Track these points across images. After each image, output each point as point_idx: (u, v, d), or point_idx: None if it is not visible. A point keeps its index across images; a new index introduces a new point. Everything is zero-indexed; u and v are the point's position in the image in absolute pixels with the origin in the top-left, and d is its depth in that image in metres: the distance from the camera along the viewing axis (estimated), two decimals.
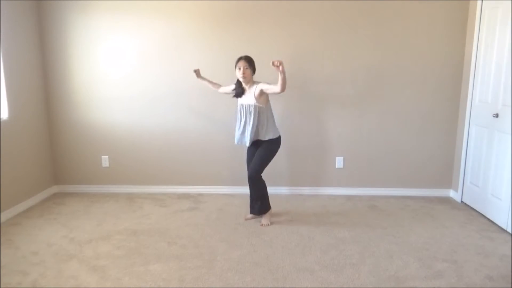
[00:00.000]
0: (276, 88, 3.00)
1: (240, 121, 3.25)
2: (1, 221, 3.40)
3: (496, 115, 3.33)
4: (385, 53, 3.85)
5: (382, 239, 3.06)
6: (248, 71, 3.16)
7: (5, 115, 3.50)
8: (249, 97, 3.17)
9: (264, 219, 3.36)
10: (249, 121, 3.17)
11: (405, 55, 3.85)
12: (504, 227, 3.23)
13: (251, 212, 3.46)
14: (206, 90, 3.99)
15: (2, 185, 3.43)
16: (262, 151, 3.25)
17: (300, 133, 4.05)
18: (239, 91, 3.24)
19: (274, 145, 3.27)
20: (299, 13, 3.82)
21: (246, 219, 3.45)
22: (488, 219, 3.45)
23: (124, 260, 2.72)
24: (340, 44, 3.86)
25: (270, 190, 4.14)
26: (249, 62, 3.17)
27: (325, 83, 3.92)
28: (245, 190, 4.14)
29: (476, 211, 3.64)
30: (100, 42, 3.95)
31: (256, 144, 3.31)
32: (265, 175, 4.13)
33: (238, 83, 3.25)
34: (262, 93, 3.12)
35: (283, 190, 4.16)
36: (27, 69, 3.80)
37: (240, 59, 3.17)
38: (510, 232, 3.16)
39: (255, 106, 3.15)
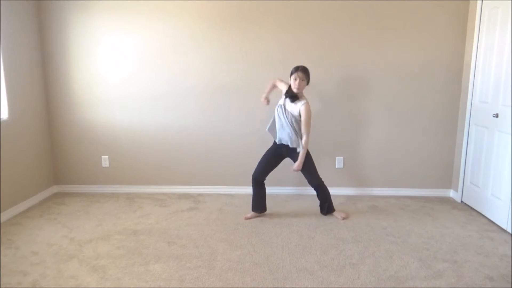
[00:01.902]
0: (300, 133, 3.26)
1: (278, 120, 3.31)
2: (1, 221, 3.40)
3: (496, 115, 3.33)
4: (385, 53, 3.85)
5: (382, 239, 3.06)
6: (303, 83, 3.21)
7: (5, 115, 3.50)
8: (295, 108, 3.24)
9: (340, 213, 3.51)
10: (286, 126, 3.26)
11: (405, 55, 3.85)
12: (504, 227, 3.23)
13: (257, 211, 3.50)
14: (206, 90, 3.99)
15: (2, 185, 3.43)
16: (306, 164, 3.32)
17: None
18: (288, 95, 3.28)
19: (307, 153, 3.35)
20: (300, 13, 3.82)
21: (246, 218, 3.47)
22: (488, 219, 3.45)
23: (124, 260, 2.72)
24: (340, 44, 3.86)
25: (270, 190, 4.14)
26: (306, 74, 3.21)
27: (325, 83, 3.92)
28: (245, 190, 4.15)
29: (476, 211, 3.64)
30: (100, 42, 3.95)
31: (280, 151, 3.40)
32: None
33: (290, 89, 3.27)
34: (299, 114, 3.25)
35: (283, 190, 4.16)
36: (27, 69, 3.80)
37: (297, 69, 3.20)
38: (510, 232, 3.16)
39: (296, 118, 3.25)
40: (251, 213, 3.51)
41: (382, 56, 3.86)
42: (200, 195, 4.12)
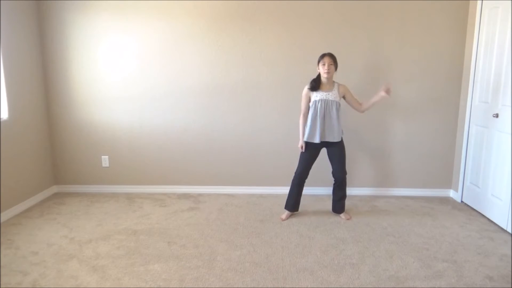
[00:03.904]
0: (360, 107, 3.33)
1: (317, 115, 3.24)
2: (1, 221, 3.40)
3: (496, 115, 3.33)
4: (385, 53, 3.85)
5: (382, 239, 3.06)
6: (332, 67, 3.21)
7: (5, 115, 3.50)
8: (333, 94, 3.24)
9: (346, 215, 3.53)
10: (329, 116, 3.24)
11: (405, 55, 3.85)
12: (504, 227, 3.23)
13: (292, 210, 3.52)
14: (206, 90, 4.00)
15: (2, 185, 3.43)
16: (339, 154, 3.37)
17: (299, 133, 4.04)
18: (315, 85, 3.25)
19: (343, 145, 3.40)
20: (300, 12, 3.82)
21: (283, 220, 3.45)
22: (488, 219, 3.45)
23: (124, 260, 2.72)
24: (340, 44, 3.85)
25: (270, 190, 4.16)
26: (334, 59, 3.23)
27: None
28: (245, 190, 4.16)
29: (476, 211, 3.64)
30: (100, 42, 3.95)
31: (319, 146, 3.37)
32: (264, 175, 4.15)
33: (316, 78, 3.27)
34: (343, 97, 3.30)
35: (283, 190, 4.15)
36: (27, 69, 3.80)
37: (324, 55, 3.22)
38: (510, 232, 3.16)
39: (337, 103, 3.24)
40: (286, 213, 3.50)
41: (382, 56, 3.86)
42: (200, 195, 4.12)
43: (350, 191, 4.11)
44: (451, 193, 4.09)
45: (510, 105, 3.16)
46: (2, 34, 3.42)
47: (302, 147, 3.37)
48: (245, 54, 3.92)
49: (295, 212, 3.57)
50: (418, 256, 2.78)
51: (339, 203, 3.52)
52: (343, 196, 3.50)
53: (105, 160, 4.18)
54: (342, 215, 3.52)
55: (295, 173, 3.45)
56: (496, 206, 3.34)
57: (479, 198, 3.60)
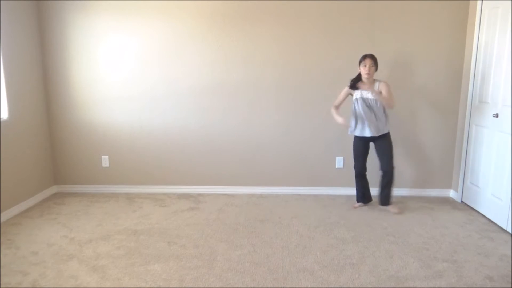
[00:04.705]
0: (388, 103, 3.42)
1: (359, 113, 3.44)
2: (1, 221, 3.40)
3: (496, 115, 3.33)
4: (385, 53, 3.85)
5: (382, 239, 3.06)
6: (373, 69, 3.37)
7: (5, 115, 3.50)
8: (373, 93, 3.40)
9: (394, 208, 3.62)
10: (370, 113, 3.41)
11: (405, 55, 3.85)
12: (504, 227, 3.23)
13: (364, 202, 3.74)
14: (206, 90, 4.00)
15: (2, 185, 3.43)
16: (385, 147, 3.52)
17: (300, 133, 4.05)
18: (354, 84, 3.44)
19: (390, 139, 3.55)
20: (300, 12, 3.82)
21: (354, 207, 3.70)
22: (488, 219, 3.45)
23: (124, 260, 2.72)
24: (340, 44, 3.86)
25: (270, 190, 4.16)
26: (375, 60, 3.38)
27: (325, 83, 3.92)
28: (245, 190, 4.16)
29: (476, 211, 3.64)
30: (100, 42, 3.95)
31: (368, 140, 3.55)
32: (264, 175, 4.15)
33: (356, 78, 3.45)
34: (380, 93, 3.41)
35: (283, 190, 4.16)
36: (27, 69, 3.80)
37: (366, 56, 3.37)
38: (510, 232, 3.16)
39: (377, 101, 3.40)
40: (358, 203, 3.73)
41: (383, 56, 3.85)
42: (200, 195, 4.12)
43: (350, 191, 4.11)
44: (451, 193, 4.09)
45: (510, 105, 3.15)
46: (2, 34, 3.42)
47: (342, 123, 3.52)
48: (245, 54, 3.91)
49: (369, 203, 3.76)
50: (418, 256, 2.78)
51: (383, 195, 3.62)
52: (391, 187, 3.58)
53: (105, 160, 4.18)
54: (390, 207, 3.62)
55: (354, 168, 3.66)
56: (496, 206, 3.34)
57: (479, 198, 3.60)
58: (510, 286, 2.42)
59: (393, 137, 4.03)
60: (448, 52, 3.83)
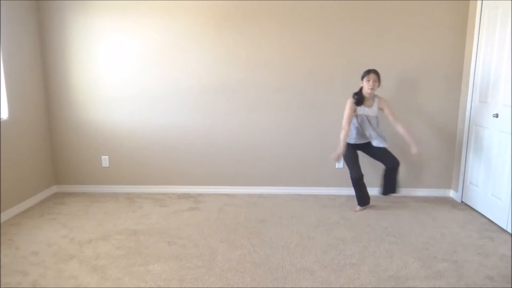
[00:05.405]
0: (394, 124, 3.50)
1: (358, 128, 3.51)
2: (1, 221, 3.40)
3: (496, 115, 3.33)
4: (385, 54, 3.85)
5: (382, 239, 3.06)
6: (377, 84, 3.39)
7: (5, 115, 3.50)
8: (373, 110, 3.48)
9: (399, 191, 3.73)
10: (370, 130, 3.50)
11: (405, 55, 3.85)
12: (504, 227, 3.23)
13: (365, 204, 3.69)
14: (206, 90, 4.00)
15: (2, 185, 3.43)
16: (384, 149, 3.56)
17: (300, 133, 4.05)
18: (359, 99, 3.43)
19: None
20: (301, 12, 3.82)
21: (356, 211, 3.64)
22: (488, 219, 3.45)
23: (124, 260, 2.72)
24: (340, 44, 3.86)
25: (270, 190, 4.16)
26: (378, 76, 3.41)
27: (325, 83, 3.93)
28: (245, 190, 4.16)
29: (476, 211, 3.64)
30: (100, 42, 3.95)
31: (358, 147, 3.61)
32: (264, 175, 4.15)
33: (360, 92, 3.44)
34: (381, 109, 3.49)
35: (283, 190, 4.16)
36: (27, 69, 3.80)
37: (370, 71, 3.38)
38: (510, 232, 3.16)
39: (376, 118, 3.51)
40: (359, 207, 3.67)
41: (383, 56, 3.86)
42: (200, 195, 4.12)
43: (350, 191, 4.11)
44: (451, 193, 4.09)
45: (510, 105, 3.16)
46: (2, 34, 3.42)
47: (338, 156, 3.47)
48: (245, 54, 3.91)
49: (368, 205, 3.73)
50: (418, 256, 2.78)
51: (391, 182, 3.62)
52: (397, 178, 3.61)
53: (105, 160, 4.18)
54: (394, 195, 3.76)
55: (351, 177, 3.59)
56: (496, 206, 3.34)
57: (479, 198, 3.60)
58: (510, 286, 2.42)
59: (393, 137, 4.04)
60: (448, 52, 3.83)
